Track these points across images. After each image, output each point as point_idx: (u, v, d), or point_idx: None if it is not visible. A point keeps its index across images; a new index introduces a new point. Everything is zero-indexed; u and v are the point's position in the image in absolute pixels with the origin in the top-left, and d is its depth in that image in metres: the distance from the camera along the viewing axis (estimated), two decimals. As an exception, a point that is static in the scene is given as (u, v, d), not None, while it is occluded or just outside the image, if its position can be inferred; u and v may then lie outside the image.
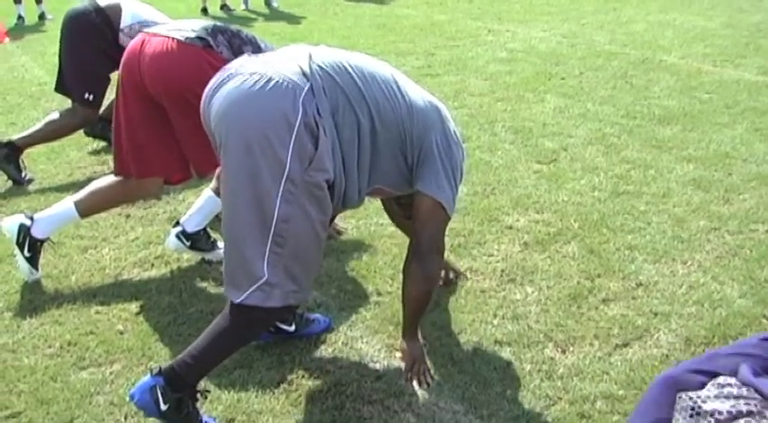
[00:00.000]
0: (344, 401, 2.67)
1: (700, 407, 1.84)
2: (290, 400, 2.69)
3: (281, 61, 2.49)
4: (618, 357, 2.87)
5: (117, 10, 4.66)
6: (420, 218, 2.71)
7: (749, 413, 1.77)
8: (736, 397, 1.82)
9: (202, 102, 2.58)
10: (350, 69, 2.54)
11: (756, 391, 1.80)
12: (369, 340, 3.01)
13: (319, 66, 2.49)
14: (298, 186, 2.38)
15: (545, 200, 4.21)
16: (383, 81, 2.60)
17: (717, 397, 1.85)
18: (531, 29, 9.07)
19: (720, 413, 1.78)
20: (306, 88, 2.41)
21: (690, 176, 4.49)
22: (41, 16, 10.96)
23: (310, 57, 2.52)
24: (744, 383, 1.84)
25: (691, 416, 1.83)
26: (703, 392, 1.88)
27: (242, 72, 2.46)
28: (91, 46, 4.68)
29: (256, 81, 2.40)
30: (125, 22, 4.62)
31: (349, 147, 2.52)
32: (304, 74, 2.44)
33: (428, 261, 2.73)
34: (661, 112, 5.70)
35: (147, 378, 2.45)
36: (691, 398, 1.86)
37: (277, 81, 2.39)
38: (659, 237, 3.77)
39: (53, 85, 5.12)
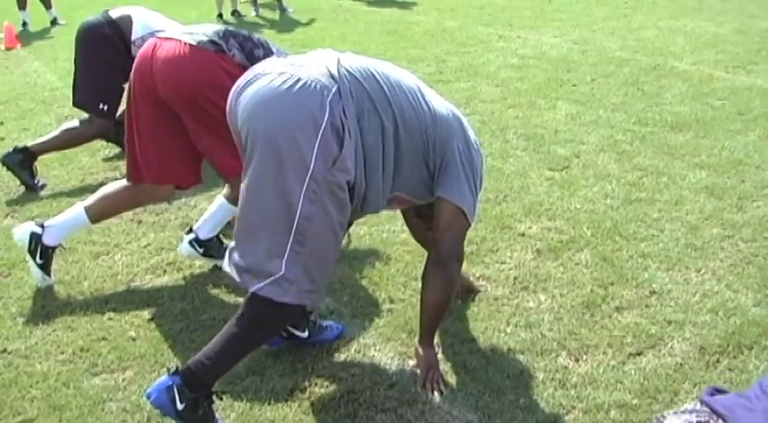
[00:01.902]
0: (357, 409, 2.66)
1: (661, 422, 2.08)
2: (302, 407, 2.68)
3: (309, 63, 2.52)
4: (632, 366, 2.86)
5: (128, 21, 4.70)
6: (441, 225, 2.73)
7: None
8: (691, 412, 2.03)
9: (229, 100, 2.59)
10: (377, 76, 2.58)
11: (708, 407, 2.00)
12: (381, 348, 3.00)
13: (347, 70, 2.52)
14: (321, 186, 2.41)
15: (557, 207, 4.20)
16: (408, 89, 2.64)
17: (675, 413, 2.09)
18: (542, 35, 9.06)
19: None
20: (333, 89, 2.44)
21: (703, 184, 4.47)
22: (53, 22, 10.99)
23: (338, 61, 2.55)
24: (701, 402, 2.06)
25: None
26: (667, 412, 2.18)
27: (270, 72, 2.49)
28: (104, 58, 4.72)
29: (285, 81, 2.43)
30: (136, 33, 4.65)
31: (372, 151, 2.55)
32: (332, 76, 2.47)
33: (448, 268, 2.74)
34: (673, 119, 5.68)
35: (163, 377, 2.48)
36: (656, 417, 2.16)
37: (305, 81, 2.42)
38: (672, 244, 3.75)
39: (66, 92, 5.14)
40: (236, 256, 2.56)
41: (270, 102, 2.43)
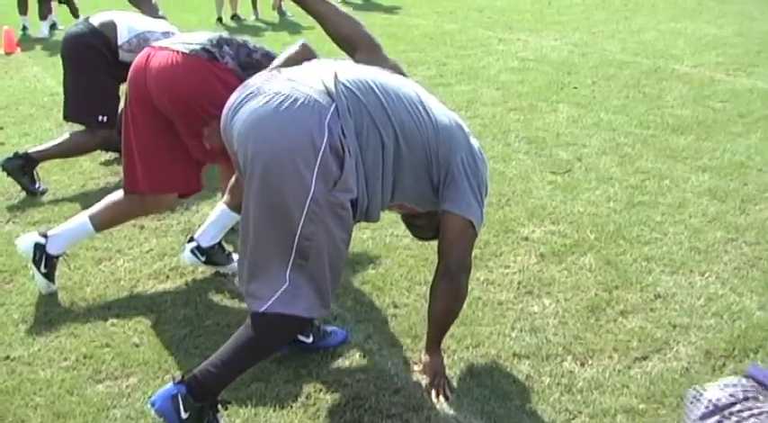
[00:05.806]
0: (363, 415, 2.65)
1: (701, 394, 1.99)
2: (308, 414, 2.67)
3: (305, 79, 2.46)
4: (637, 370, 2.85)
5: (112, 27, 4.61)
6: (449, 237, 2.70)
7: (746, 399, 1.91)
8: (734, 385, 1.97)
9: (223, 119, 2.55)
10: (375, 88, 2.51)
11: (755, 380, 1.95)
12: (386, 353, 2.99)
13: (344, 85, 2.46)
14: (322, 207, 2.38)
15: (560, 211, 4.19)
16: (408, 100, 2.57)
17: (719, 387, 1.99)
18: (543, 38, 9.07)
19: (719, 399, 1.93)
20: (331, 109, 2.39)
21: (705, 186, 4.47)
22: (52, 26, 10.97)
23: (336, 75, 2.48)
24: (746, 376, 2.00)
25: (691, 402, 1.99)
26: (708, 385, 2.04)
27: (266, 91, 2.43)
28: (93, 68, 4.66)
29: (281, 102, 2.37)
30: (122, 38, 4.58)
31: (373, 167, 2.51)
32: (329, 93, 2.42)
33: (458, 280, 2.72)
34: (674, 122, 5.68)
35: (168, 386, 2.45)
36: (695, 388, 2.02)
37: (302, 102, 2.37)
38: (676, 248, 3.74)
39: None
40: (243, 280, 2.54)
41: (267, 124, 2.37)
